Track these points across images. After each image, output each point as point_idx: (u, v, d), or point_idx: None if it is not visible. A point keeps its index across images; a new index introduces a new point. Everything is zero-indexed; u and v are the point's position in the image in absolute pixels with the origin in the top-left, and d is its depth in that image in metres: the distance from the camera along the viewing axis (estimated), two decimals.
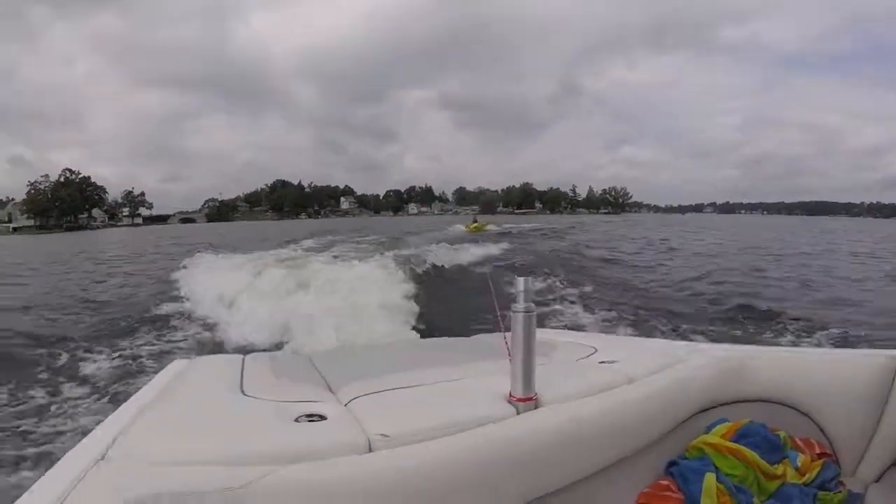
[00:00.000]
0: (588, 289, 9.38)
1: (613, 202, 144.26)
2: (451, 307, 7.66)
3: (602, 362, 1.46)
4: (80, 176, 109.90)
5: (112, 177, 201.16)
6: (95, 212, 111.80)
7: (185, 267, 11.59)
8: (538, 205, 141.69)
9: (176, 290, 9.39)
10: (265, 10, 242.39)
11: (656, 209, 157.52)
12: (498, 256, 14.82)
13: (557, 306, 8.04)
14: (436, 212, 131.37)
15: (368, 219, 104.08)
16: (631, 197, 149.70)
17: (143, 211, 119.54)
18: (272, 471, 0.82)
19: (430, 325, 6.50)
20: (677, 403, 1.33)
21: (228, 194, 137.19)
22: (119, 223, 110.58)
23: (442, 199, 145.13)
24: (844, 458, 1.45)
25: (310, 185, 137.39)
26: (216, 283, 8.97)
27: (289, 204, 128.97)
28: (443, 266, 11.21)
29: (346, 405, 1.10)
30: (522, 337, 1.06)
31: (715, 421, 1.35)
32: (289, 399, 1.14)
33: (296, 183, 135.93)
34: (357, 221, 69.30)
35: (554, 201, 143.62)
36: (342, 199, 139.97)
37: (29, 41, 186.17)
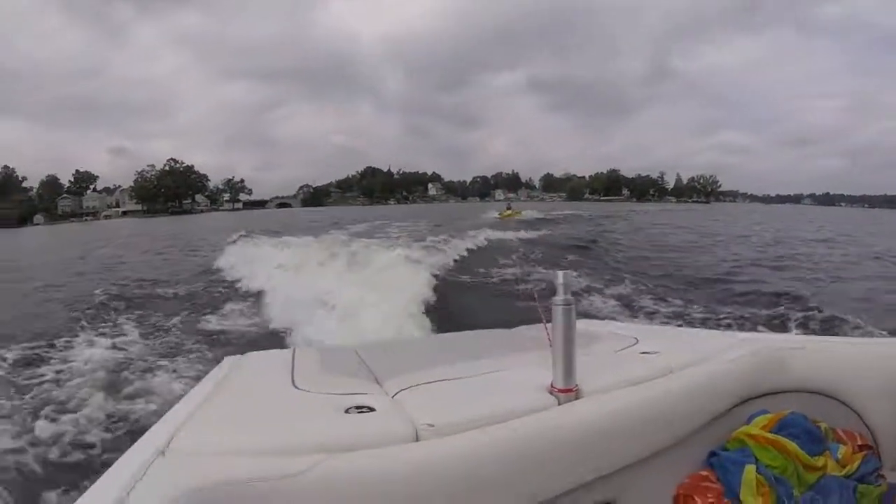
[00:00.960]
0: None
1: (702, 190, 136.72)
2: (481, 294, 8.13)
3: (643, 353, 1.46)
4: (183, 165, 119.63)
5: (209, 165, 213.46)
6: (199, 197, 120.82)
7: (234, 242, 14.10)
8: (625, 192, 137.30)
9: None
10: None
11: (752, 198, 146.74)
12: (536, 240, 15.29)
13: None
14: (522, 198, 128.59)
15: (455, 205, 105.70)
16: (720, 185, 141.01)
17: (243, 196, 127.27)
18: (325, 459, 0.87)
19: (455, 312, 6.78)
20: (718, 394, 1.32)
21: (321, 180, 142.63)
22: (220, 208, 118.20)
23: (528, 185, 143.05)
24: (886, 450, 1.42)
25: (398, 172, 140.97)
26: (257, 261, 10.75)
27: (378, 190, 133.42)
28: (480, 249, 11.38)
29: (393, 397, 1.15)
30: (563, 328, 1.08)
31: (756, 412, 1.33)
32: (338, 391, 1.19)
33: (385, 170, 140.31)
34: (443, 207, 70.30)
35: (642, 189, 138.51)
36: (429, 185, 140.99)
37: (117, 39, 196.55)
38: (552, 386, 1.12)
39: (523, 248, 13.85)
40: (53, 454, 3.45)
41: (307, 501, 0.84)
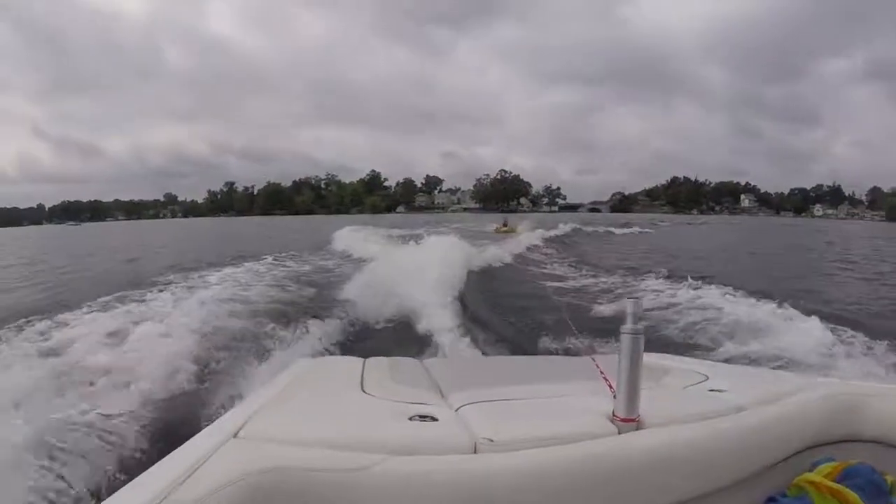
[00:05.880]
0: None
1: None
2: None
3: (711, 390, 1.43)
4: (511, 174, 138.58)
5: (531, 169, 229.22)
6: (522, 200, 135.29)
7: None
8: None
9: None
10: None
11: None
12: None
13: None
14: (841, 215, 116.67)
15: (759, 220, 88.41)
16: None
17: (559, 201, 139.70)
18: (387, 459, 0.91)
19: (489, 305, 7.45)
20: (784, 438, 1.27)
21: (635, 187, 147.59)
22: (539, 210, 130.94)
23: (853, 199, 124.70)
24: None
25: (706, 181, 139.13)
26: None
27: (683, 199, 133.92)
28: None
29: (456, 410, 1.18)
30: (629, 357, 1.08)
31: (820, 459, 1.20)
32: (404, 399, 1.25)
33: (693, 178, 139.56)
34: (741, 225, 56.73)
35: None
36: (742, 196, 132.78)
37: (441, 57, 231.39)
38: (614, 414, 1.11)
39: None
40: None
41: (365, 497, 0.88)
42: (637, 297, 1.22)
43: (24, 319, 5.86)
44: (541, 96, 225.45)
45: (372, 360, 1.74)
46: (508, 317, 6.65)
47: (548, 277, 10.51)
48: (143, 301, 7.00)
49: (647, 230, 34.29)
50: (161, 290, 7.94)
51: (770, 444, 1.24)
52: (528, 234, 20.18)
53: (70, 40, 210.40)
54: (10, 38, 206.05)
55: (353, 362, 1.71)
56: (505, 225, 27.22)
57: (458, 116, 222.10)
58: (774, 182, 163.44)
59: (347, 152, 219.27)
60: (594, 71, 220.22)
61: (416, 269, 7.51)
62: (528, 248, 15.97)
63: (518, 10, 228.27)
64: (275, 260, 12.44)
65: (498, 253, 12.13)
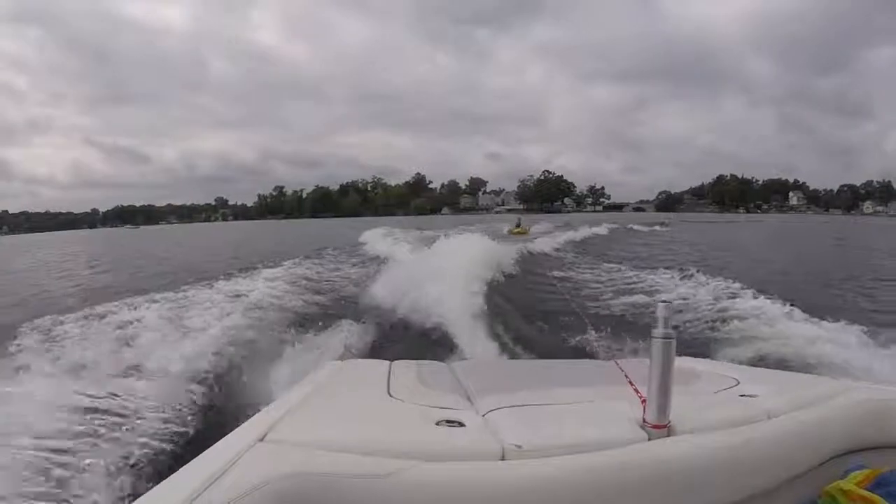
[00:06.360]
0: None
1: None
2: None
3: (742, 395, 1.42)
4: (554, 175, 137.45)
5: (577, 168, 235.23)
6: (566, 200, 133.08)
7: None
8: None
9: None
10: None
11: None
12: None
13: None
14: (891, 212, 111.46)
15: (806, 218, 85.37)
16: None
17: (604, 201, 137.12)
18: (413, 465, 0.90)
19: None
20: (816, 445, 1.24)
21: (681, 185, 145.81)
22: (584, 210, 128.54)
23: None
24: None
25: (753, 179, 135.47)
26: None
27: (729, 198, 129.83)
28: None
29: (483, 416, 1.17)
30: (660, 363, 1.05)
31: (853, 466, 1.18)
32: (430, 404, 1.26)
33: (739, 176, 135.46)
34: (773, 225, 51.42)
35: None
36: (790, 193, 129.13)
37: (481, 58, 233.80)
38: (644, 420, 1.09)
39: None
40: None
41: (391, 503, 0.87)
42: (667, 301, 1.15)
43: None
44: (584, 94, 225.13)
45: (398, 364, 1.75)
46: (532, 319, 6.61)
47: (568, 278, 10.52)
48: (185, 298, 7.31)
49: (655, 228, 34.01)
50: (208, 286, 8.25)
51: (802, 450, 1.22)
52: (549, 236, 20.49)
53: (117, 54, 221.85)
54: (60, 54, 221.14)
55: (380, 365, 1.73)
56: (518, 226, 27.78)
57: (501, 117, 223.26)
58: (823, 179, 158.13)
59: (392, 155, 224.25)
60: (638, 67, 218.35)
61: (442, 271, 7.46)
62: (554, 248, 16.07)
63: (557, 7, 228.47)
64: (305, 259, 12.72)
65: (520, 253, 12.14)
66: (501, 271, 8.98)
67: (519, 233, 25.06)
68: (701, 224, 45.52)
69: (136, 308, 6.53)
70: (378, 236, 17.69)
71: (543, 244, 16.37)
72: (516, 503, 0.92)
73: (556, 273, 11.14)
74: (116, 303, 6.93)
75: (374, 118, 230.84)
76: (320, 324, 5.86)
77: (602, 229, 25.84)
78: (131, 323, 5.59)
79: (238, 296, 7.31)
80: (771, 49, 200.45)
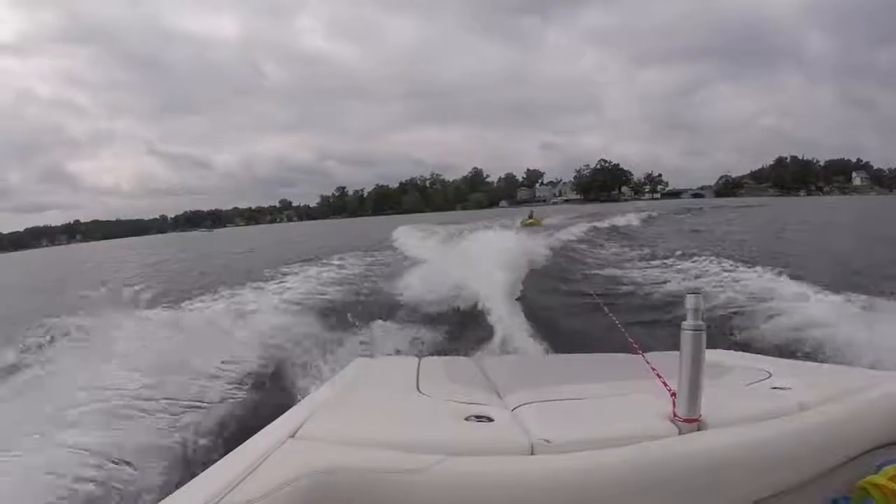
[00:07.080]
0: None
1: None
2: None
3: (774, 388, 1.39)
4: (611, 164, 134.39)
5: (634, 155, 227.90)
6: (624, 189, 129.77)
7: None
8: None
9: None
10: None
11: None
12: None
13: None
14: None
15: (868, 200, 72.63)
16: None
17: (662, 188, 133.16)
18: (444, 460, 0.89)
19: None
20: (848, 438, 1.19)
21: (741, 169, 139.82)
22: (642, 198, 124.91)
23: None
24: None
25: (815, 160, 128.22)
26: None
27: (790, 180, 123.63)
28: None
29: (512, 410, 1.18)
30: (690, 355, 1.04)
31: (886, 460, 1.15)
32: (460, 400, 1.25)
33: (800, 157, 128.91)
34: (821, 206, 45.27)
35: None
36: (853, 174, 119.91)
37: (532, 47, 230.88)
38: (675, 414, 1.07)
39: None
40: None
41: (422, 498, 0.86)
42: (698, 292, 1.15)
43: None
44: (638, 79, 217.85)
45: (427, 360, 1.82)
46: (559, 312, 6.51)
47: (593, 269, 10.32)
48: (234, 296, 7.67)
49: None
50: (256, 287, 8.48)
51: (834, 444, 1.20)
52: (569, 228, 20.19)
53: (171, 65, 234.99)
54: (118, 68, 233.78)
55: (409, 361, 1.79)
56: (530, 217, 27.65)
57: (554, 107, 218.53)
58: (889, 157, 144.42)
59: (448, 151, 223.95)
60: (691, 48, 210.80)
61: (471, 266, 7.42)
62: (578, 240, 15.73)
63: None
64: (338, 259, 12.80)
65: (545, 246, 11.68)
66: (528, 265, 8.78)
67: (531, 224, 24.79)
68: (725, 210, 40.20)
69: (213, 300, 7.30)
70: (409, 232, 17.46)
71: (567, 234, 16.26)
72: (546, 497, 0.92)
73: (581, 266, 10.90)
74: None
75: (426, 114, 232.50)
76: (349, 321, 5.83)
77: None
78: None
79: (282, 292, 7.61)
80: (828, 20, 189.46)
